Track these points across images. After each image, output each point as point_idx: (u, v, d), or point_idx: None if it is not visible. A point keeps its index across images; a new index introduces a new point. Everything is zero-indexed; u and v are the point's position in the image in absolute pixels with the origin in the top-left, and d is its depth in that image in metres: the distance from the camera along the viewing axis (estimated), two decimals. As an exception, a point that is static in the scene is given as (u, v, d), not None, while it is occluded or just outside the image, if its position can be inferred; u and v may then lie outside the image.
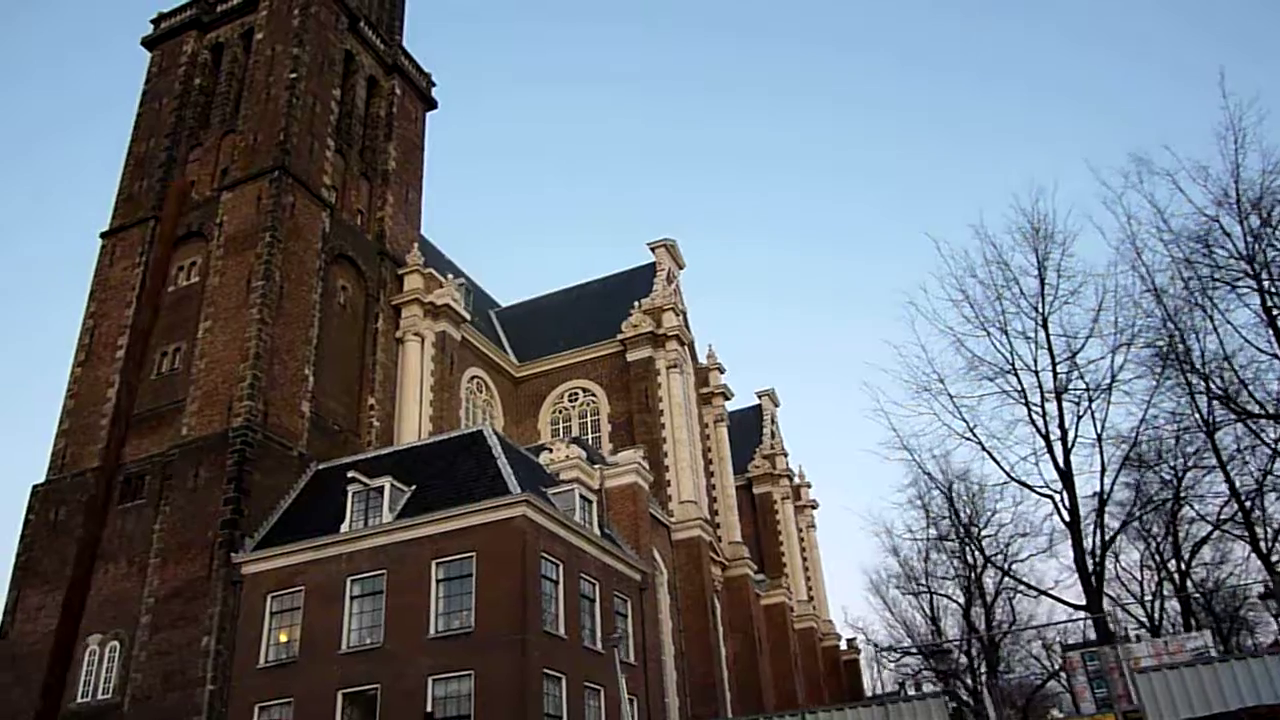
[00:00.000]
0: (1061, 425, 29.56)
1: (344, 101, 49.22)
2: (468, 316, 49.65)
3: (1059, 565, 47.21)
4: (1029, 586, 39.84)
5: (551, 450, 40.58)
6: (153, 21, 52.00)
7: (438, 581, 30.71)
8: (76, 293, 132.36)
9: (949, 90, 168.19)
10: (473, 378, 51.35)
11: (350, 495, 33.51)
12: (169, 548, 35.21)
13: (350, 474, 33.43)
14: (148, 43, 51.52)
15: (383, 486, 33.15)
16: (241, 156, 44.00)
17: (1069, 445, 29.26)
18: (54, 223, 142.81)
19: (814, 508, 76.25)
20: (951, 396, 31.24)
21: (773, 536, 66.47)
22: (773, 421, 73.48)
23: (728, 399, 60.78)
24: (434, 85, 57.17)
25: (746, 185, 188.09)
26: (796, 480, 73.82)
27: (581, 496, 35.61)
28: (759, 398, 74.75)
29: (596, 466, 40.72)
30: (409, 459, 36.27)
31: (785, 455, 70.84)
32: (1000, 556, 45.71)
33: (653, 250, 58.91)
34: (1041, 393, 30.15)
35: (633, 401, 51.48)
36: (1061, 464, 29.31)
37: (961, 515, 44.31)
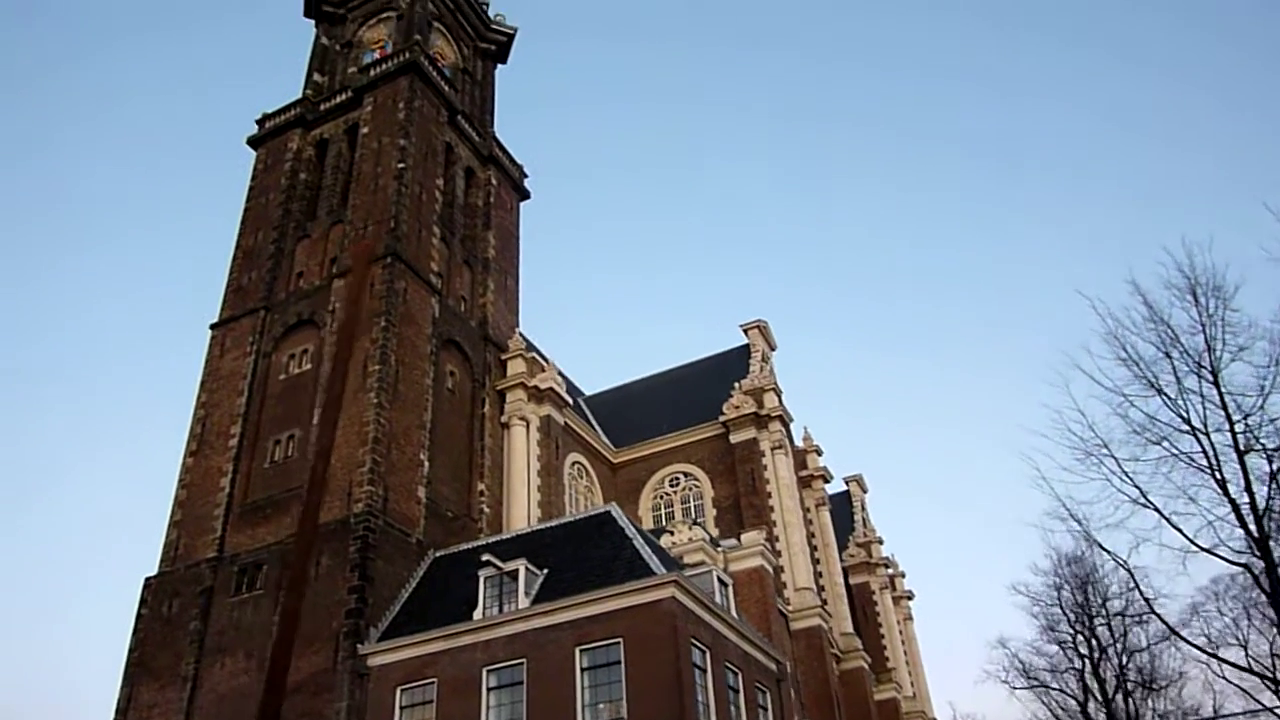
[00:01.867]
0: (1249, 488, 27.58)
1: (446, 191, 49.83)
2: (570, 401, 48.92)
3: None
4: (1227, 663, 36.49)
5: (673, 533, 39.08)
6: (258, 122, 53.46)
7: (583, 670, 29.01)
8: (165, 383, 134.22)
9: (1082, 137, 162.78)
10: (574, 463, 50.27)
11: (482, 580, 32.17)
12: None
13: (484, 558, 32.14)
14: (253, 141, 52.88)
15: (516, 570, 31.81)
16: (352, 245, 44.33)
17: (1263, 509, 27.21)
18: (149, 314, 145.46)
19: (910, 598, 73.06)
20: (1118, 460, 29.42)
21: (873, 628, 63.42)
22: (863, 508, 71.13)
23: (827, 482, 58.97)
24: (526, 176, 57.91)
25: (827, 259, 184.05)
26: (891, 570, 70.98)
27: (719, 580, 33.93)
28: (846, 483, 72.61)
29: (719, 550, 39.08)
30: (535, 542, 34.94)
31: (880, 543, 68.27)
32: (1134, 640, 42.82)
33: (745, 332, 58.21)
34: (1212, 454, 28.34)
35: (738, 484, 49.96)
36: (1254, 530, 27.19)
37: (1100, 597, 41.69)
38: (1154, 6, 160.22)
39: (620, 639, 28.86)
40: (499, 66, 62.79)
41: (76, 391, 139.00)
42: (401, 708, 31.28)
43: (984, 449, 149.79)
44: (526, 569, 31.86)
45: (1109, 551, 37.41)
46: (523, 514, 43.22)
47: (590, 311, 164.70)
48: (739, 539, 41.32)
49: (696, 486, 51.86)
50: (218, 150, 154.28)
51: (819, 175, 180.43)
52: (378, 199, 45.24)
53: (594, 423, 55.42)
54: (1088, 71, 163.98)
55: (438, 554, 37.76)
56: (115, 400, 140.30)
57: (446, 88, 52.11)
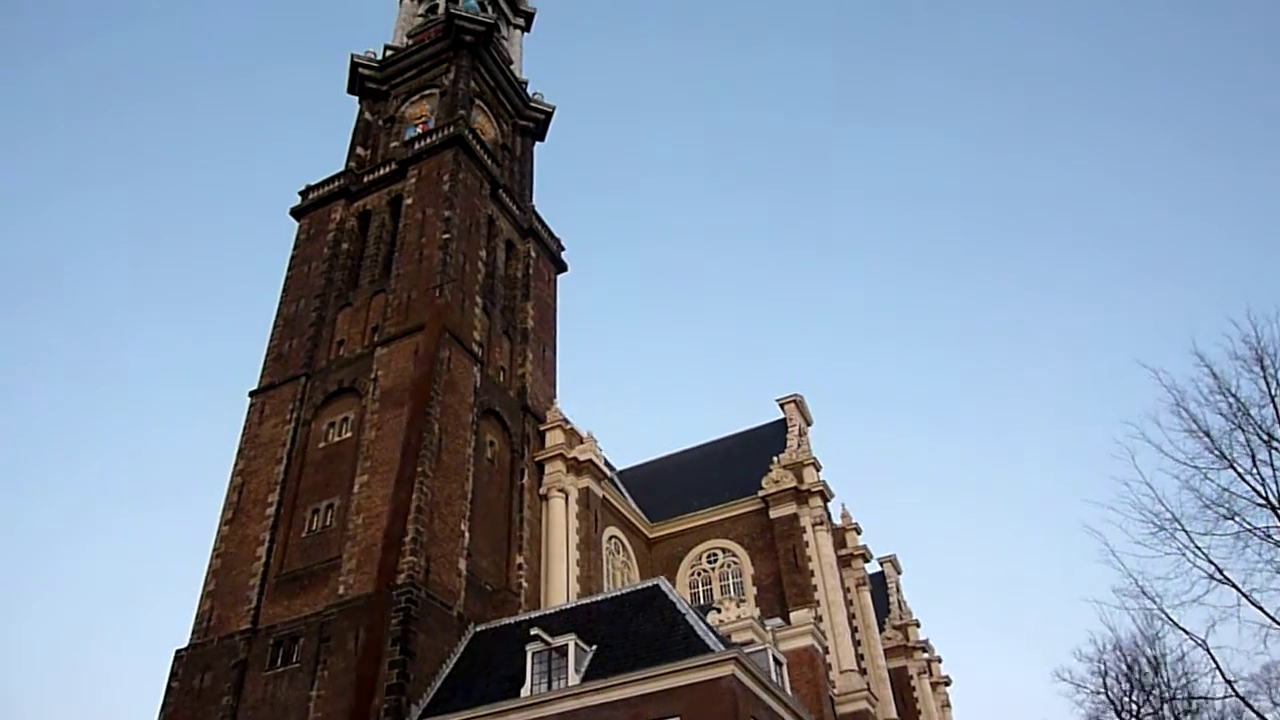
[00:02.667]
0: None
1: (487, 262, 50.00)
2: (609, 473, 48.15)
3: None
4: None
5: (719, 610, 37.91)
6: (301, 193, 54.13)
7: (638, 751, 27.73)
8: (198, 450, 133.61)
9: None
10: (611, 537, 49.24)
11: (529, 656, 31.08)
12: (329, 715, 32.69)
13: (534, 632, 31.10)
14: (295, 212, 53.46)
15: (566, 646, 30.72)
16: (395, 313, 44.31)
17: (1353, 589, 26.06)
18: (180, 380, 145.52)
19: (947, 684, 70.62)
20: (1191, 535, 28.39)
21: (912, 715, 61.15)
22: (898, 589, 69.36)
23: (866, 561, 57.51)
24: (563, 249, 58.24)
25: (866, 331, 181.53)
26: (928, 654, 68.76)
27: (775, 659, 32.69)
28: (881, 564, 70.95)
29: (767, 628, 37.84)
30: (581, 617, 33.86)
31: (917, 625, 66.32)
32: None
33: (782, 406, 57.67)
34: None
35: (779, 561, 48.73)
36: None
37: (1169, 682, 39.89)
38: (1212, 76, 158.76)
39: (678, 718, 27.65)
40: (537, 143, 63.76)
41: (109, 458, 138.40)
42: (444, 790, 29.95)
43: (1028, 527, 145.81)
44: (576, 644, 30.78)
45: (1186, 631, 35.94)
46: (562, 588, 42.12)
47: (621, 385, 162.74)
48: (786, 618, 40.06)
49: (735, 563, 50.63)
50: (254, 219, 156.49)
51: (860, 248, 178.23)
52: (422, 268, 45.36)
53: (628, 496, 54.50)
54: (1148, 141, 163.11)
55: (479, 628, 36.69)
56: (143, 467, 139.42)
57: (489, 161, 52.76)
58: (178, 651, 38.16)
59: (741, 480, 53.00)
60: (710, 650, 28.90)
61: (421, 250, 46.23)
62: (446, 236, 45.98)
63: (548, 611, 36.12)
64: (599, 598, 36.14)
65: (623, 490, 54.76)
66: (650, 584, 34.98)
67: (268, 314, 49.71)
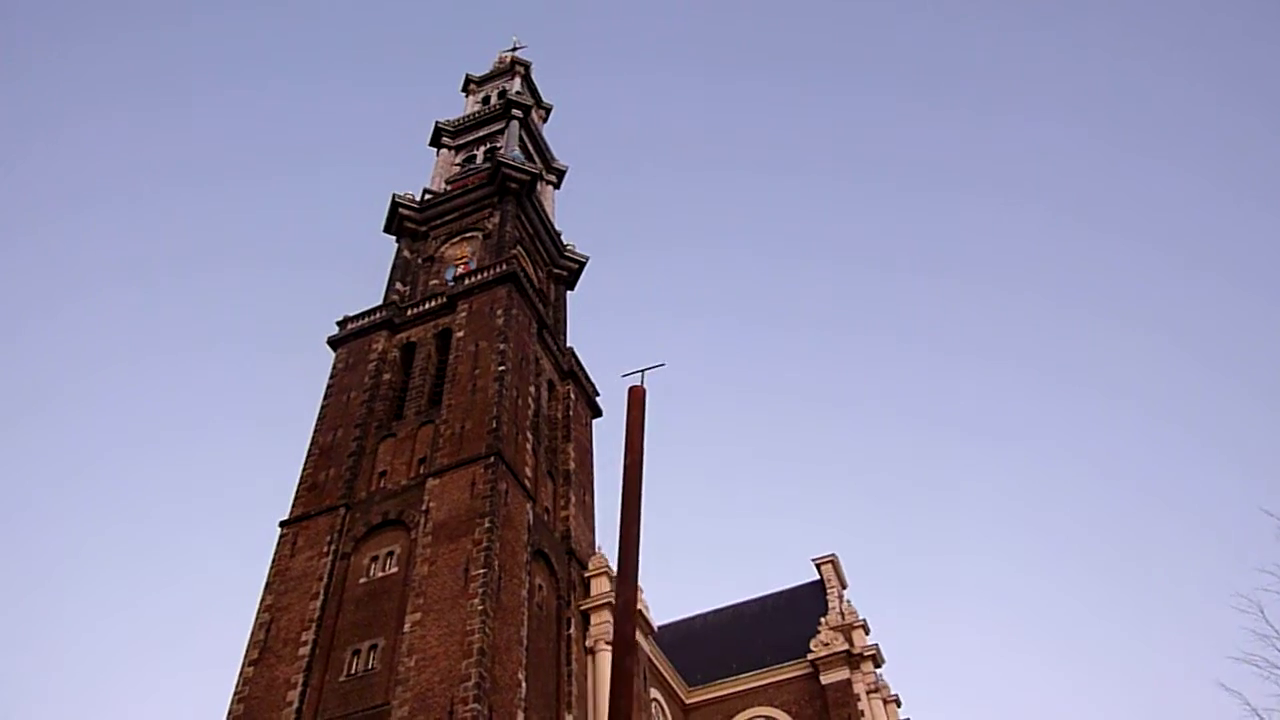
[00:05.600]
0: None
1: (536, 399, 48.66)
2: (655, 627, 45.18)
3: None
4: None
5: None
6: (339, 323, 52.92)
7: None
8: (210, 585, 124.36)
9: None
10: (652, 699, 45.62)
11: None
12: None
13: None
14: (333, 342, 52.04)
15: (666, 808, 27.40)
16: (447, 444, 42.34)
17: None
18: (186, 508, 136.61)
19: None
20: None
21: None
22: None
23: (908, 735, 53.83)
24: (598, 394, 57.19)
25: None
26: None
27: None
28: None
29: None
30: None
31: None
32: None
33: (818, 567, 55.54)
34: None
35: (834, 732, 45.29)
36: None
37: None
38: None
39: None
40: (569, 292, 63.92)
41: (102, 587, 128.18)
42: None
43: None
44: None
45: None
46: (612, 753, 38.30)
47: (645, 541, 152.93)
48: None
49: (783, 733, 47.00)
50: (254, 348, 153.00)
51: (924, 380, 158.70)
52: (476, 400, 43.81)
53: (666, 656, 51.08)
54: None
55: (539, 792, 32.87)
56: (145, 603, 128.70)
57: (536, 300, 52.42)
58: (189, 812, 33.45)
59: (783, 643, 50.16)
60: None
61: (475, 382, 44.84)
62: (502, 369, 44.79)
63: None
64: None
65: (660, 649, 51.39)
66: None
67: (279, 443, 47.39)
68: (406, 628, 35.56)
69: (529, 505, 41.94)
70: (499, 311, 48.04)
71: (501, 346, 46.00)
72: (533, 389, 48.16)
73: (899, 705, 55.09)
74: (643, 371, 9.78)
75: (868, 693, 46.46)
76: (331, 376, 50.16)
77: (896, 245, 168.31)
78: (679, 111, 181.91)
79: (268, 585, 40.38)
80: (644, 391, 9.12)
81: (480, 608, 34.80)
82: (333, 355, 51.56)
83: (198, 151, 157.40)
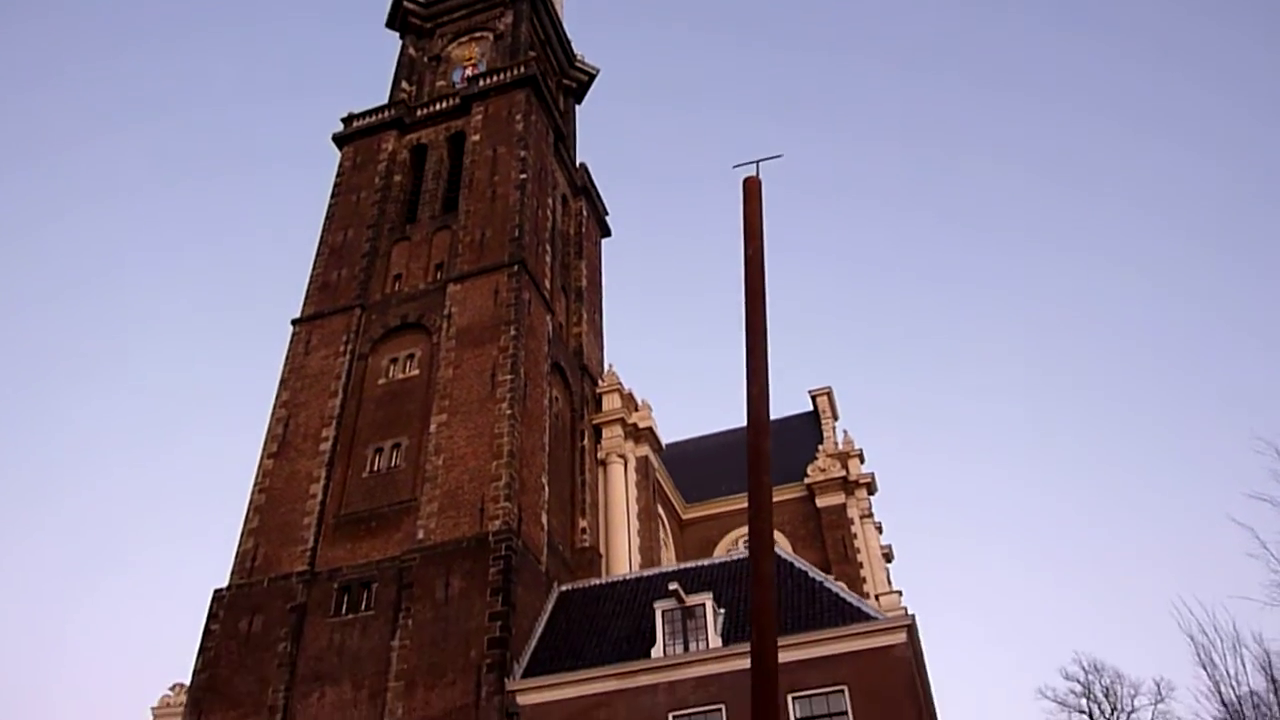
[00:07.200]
0: None
1: (553, 211, 47.32)
2: (663, 444, 45.91)
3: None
4: None
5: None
6: (344, 121, 50.29)
7: (797, 720, 25.62)
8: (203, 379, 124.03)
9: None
10: (658, 513, 46.90)
11: (659, 614, 28.62)
12: (416, 669, 29.43)
13: (671, 586, 28.67)
14: (339, 139, 49.58)
15: (701, 606, 28.41)
16: (467, 251, 41.21)
17: None
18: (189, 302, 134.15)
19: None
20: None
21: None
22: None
23: (889, 561, 56.52)
24: (607, 213, 55.82)
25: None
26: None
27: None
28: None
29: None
30: (692, 578, 31.47)
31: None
32: None
33: (814, 398, 56.52)
34: None
35: (827, 551, 47.26)
36: None
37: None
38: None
39: (844, 687, 25.68)
40: (577, 106, 61.28)
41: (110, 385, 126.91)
42: (562, 755, 27.12)
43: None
44: (714, 605, 28.49)
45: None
46: (623, 557, 39.68)
47: (641, 362, 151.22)
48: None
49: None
50: (259, 146, 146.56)
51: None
52: (496, 208, 42.38)
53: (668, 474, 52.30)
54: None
55: (563, 588, 33.95)
56: (146, 395, 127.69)
57: (554, 109, 50.14)
58: (217, 591, 34.01)
59: (777, 467, 51.23)
60: (871, 617, 27.10)
61: (495, 189, 43.23)
62: (523, 176, 43.17)
63: (653, 573, 33.68)
64: (709, 562, 33.95)
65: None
66: (767, 551, 32.95)
67: (274, 237, 45.75)
68: (432, 428, 35.55)
69: (548, 317, 41.44)
70: (518, 116, 45.87)
71: (522, 153, 44.18)
72: (550, 200, 46.73)
73: (880, 531, 57.63)
74: (757, 162, 9.03)
75: (861, 517, 48.31)
76: (339, 176, 48.07)
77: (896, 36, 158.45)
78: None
79: (283, 382, 39.87)
80: (759, 182, 8.44)
81: (508, 412, 34.79)
82: (338, 155, 49.26)
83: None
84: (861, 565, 46.46)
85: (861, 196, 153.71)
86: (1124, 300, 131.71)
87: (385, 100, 51.60)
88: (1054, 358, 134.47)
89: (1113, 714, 47.36)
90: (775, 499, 48.91)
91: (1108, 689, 47.96)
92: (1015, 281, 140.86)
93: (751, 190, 9.12)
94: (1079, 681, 48.15)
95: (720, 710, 26.27)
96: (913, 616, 26.62)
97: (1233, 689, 35.88)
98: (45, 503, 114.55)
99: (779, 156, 9.57)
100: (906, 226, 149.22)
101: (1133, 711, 46.51)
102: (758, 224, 8.75)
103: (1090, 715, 48.97)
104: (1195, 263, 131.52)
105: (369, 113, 50.12)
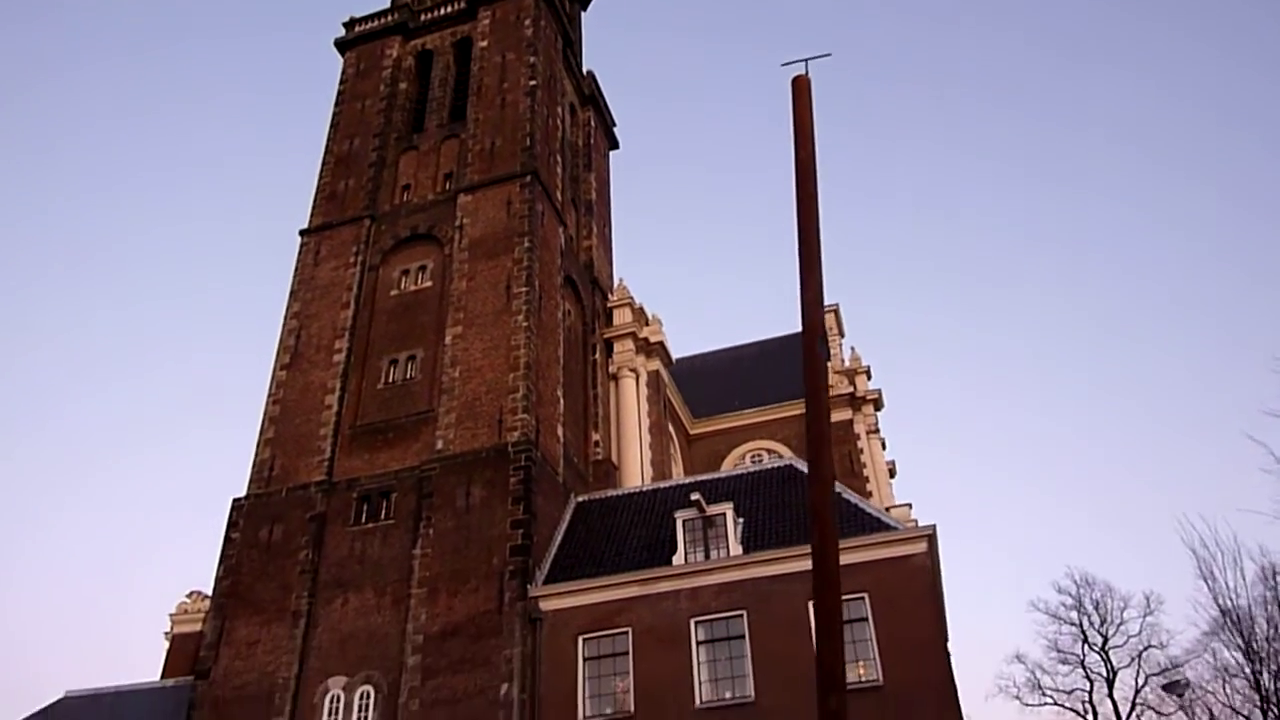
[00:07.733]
0: None
1: (562, 121, 46.28)
2: (673, 359, 45.88)
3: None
4: None
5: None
6: (345, 25, 48.73)
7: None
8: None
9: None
10: (668, 428, 47.14)
11: (680, 523, 28.95)
12: (439, 576, 29.81)
13: (693, 496, 28.95)
14: (340, 44, 48.12)
15: (722, 515, 28.71)
16: (477, 160, 40.40)
17: None
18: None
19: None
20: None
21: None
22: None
23: (892, 476, 57.28)
24: (615, 125, 54.68)
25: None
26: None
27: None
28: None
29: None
30: (711, 490, 31.73)
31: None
32: None
33: (822, 315, 56.31)
34: None
35: (835, 466, 47.65)
36: None
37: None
38: None
39: (865, 594, 26.14)
40: (583, 12, 59.41)
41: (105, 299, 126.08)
42: (586, 659, 27.66)
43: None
44: (734, 514, 28.80)
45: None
46: (635, 471, 39.98)
47: (652, 276, 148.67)
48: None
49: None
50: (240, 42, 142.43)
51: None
52: (506, 115, 41.40)
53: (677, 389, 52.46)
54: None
55: (580, 499, 34.26)
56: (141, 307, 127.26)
57: (564, 15, 48.64)
58: (235, 500, 34.21)
59: (785, 383, 51.51)
60: (890, 527, 27.47)
61: (504, 96, 42.17)
62: (534, 83, 42.07)
63: (670, 484, 33.98)
64: (726, 474, 34.30)
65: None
66: (784, 464, 33.25)
67: (276, 149, 44.68)
68: (448, 340, 35.34)
69: (561, 229, 40.90)
70: (527, 21, 44.49)
71: (531, 60, 42.98)
72: (560, 109, 45.67)
73: (884, 448, 58.21)
74: (806, 61, 8.55)
75: (868, 433, 48.69)
76: (342, 83, 46.78)
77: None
78: None
79: (293, 293, 39.44)
80: (809, 81, 7.99)
81: (525, 324, 34.57)
82: (340, 60, 47.84)
83: None
84: (868, 480, 47.00)
85: (871, 116, 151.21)
86: (1141, 224, 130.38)
87: (388, 4, 50.02)
88: (1066, 281, 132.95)
89: (1102, 625, 48.81)
90: (783, 415, 49.44)
91: (1098, 602, 49.28)
92: (1016, 201, 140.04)
93: (801, 89, 8.70)
94: (1070, 595, 49.37)
95: (742, 616, 26.77)
96: (933, 526, 26.96)
97: (1231, 600, 36.69)
98: (51, 411, 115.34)
99: (828, 55, 9.14)
100: (910, 152, 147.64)
101: (1122, 623, 47.91)
102: (809, 125, 8.37)
103: (1080, 626, 50.40)
104: (1219, 178, 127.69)
105: (371, 17, 48.57)
